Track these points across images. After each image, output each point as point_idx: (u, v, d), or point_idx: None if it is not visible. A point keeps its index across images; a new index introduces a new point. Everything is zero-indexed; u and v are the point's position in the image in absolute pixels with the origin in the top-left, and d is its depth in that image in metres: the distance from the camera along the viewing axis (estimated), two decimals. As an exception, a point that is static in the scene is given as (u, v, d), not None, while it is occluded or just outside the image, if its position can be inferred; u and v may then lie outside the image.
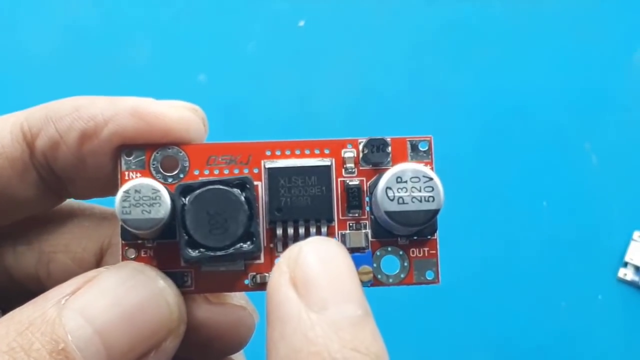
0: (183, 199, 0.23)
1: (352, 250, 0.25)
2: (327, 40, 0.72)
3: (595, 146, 0.68)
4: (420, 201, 0.23)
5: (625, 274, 0.64)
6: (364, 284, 0.24)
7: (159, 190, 0.23)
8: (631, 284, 0.64)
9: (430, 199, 0.23)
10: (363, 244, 0.25)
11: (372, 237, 0.25)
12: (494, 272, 0.65)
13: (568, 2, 0.74)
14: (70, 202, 0.28)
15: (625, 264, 0.65)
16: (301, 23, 0.73)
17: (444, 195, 0.23)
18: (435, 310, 0.64)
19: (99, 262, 0.27)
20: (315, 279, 0.20)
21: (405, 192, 0.23)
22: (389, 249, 0.25)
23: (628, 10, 0.74)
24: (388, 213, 0.23)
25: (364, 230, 0.25)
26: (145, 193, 0.23)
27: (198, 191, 0.24)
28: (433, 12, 0.73)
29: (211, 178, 0.24)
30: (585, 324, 0.64)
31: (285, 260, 0.20)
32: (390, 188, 0.23)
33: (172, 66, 0.71)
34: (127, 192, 0.23)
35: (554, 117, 0.69)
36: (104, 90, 0.73)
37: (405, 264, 0.25)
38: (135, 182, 0.23)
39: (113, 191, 0.24)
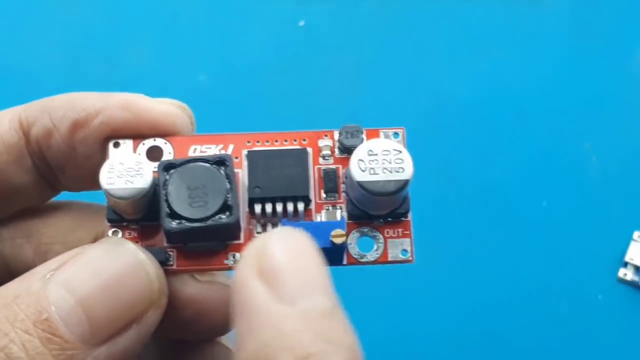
0: (165, 175, 0.25)
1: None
2: (327, 40, 0.72)
3: (595, 146, 0.68)
4: (391, 172, 0.25)
5: (625, 274, 0.64)
6: (338, 245, 0.25)
7: (141, 162, 0.25)
8: (631, 284, 0.64)
9: (400, 169, 0.25)
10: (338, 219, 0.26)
11: (348, 219, 0.26)
12: (494, 272, 0.65)
13: (568, 1, 0.74)
14: (66, 198, 0.29)
15: (625, 264, 0.65)
16: (301, 23, 0.73)
17: (413, 167, 0.25)
18: (435, 312, 0.64)
19: None
20: (283, 271, 0.19)
21: (377, 163, 0.25)
22: (365, 229, 0.26)
23: (628, 10, 0.74)
24: (360, 183, 0.24)
25: (339, 211, 0.26)
26: (128, 165, 0.24)
27: (180, 167, 0.25)
28: (433, 12, 0.73)
29: (192, 156, 0.26)
30: (585, 324, 0.64)
31: (252, 251, 0.20)
32: (362, 160, 0.25)
33: (172, 66, 0.71)
34: (111, 164, 0.24)
35: (553, 117, 0.69)
36: (104, 90, 0.73)
37: (380, 243, 0.27)
38: (119, 155, 0.25)
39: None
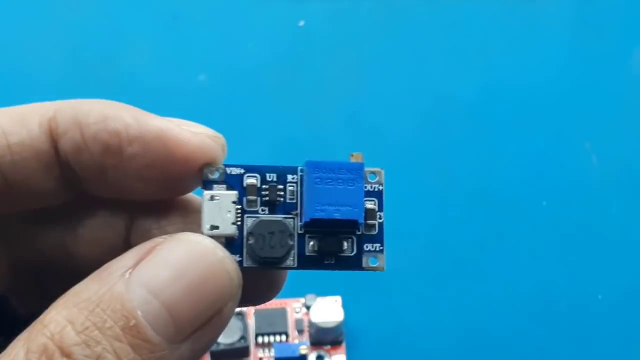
0: None
1: None
2: (327, 40, 0.72)
3: (595, 146, 0.68)
4: None
5: (625, 274, 0.64)
6: None
7: None
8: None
9: None
10: None
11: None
12: (493, 272, 0.65)
13: (567, 1, 0.74)
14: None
15: (625, 264, 0.65)
16: (301, 23, 0.73)
17: None
18: (434, 312, 0.64)
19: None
20: None
21: None
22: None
23: (628, 10, 0.74)
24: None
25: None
26: None
27: None
28: (434, 12, 0.73)
29: None
30: (585, 324, 0.64)
31: None
32: None
33: (172, 66, 0.71)
34: None
35: (553, 117, 0.69)
36: (104, 90, 0.73)
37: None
38: None
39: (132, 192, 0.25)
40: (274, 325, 0.49)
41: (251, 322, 0.49)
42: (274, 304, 0.51)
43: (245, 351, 0.48)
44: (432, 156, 0.68)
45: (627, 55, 0.72)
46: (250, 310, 0.49)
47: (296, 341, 0.51)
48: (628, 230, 0.66)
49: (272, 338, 0.49)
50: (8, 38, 0.72)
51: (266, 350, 0.49)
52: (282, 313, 0.50)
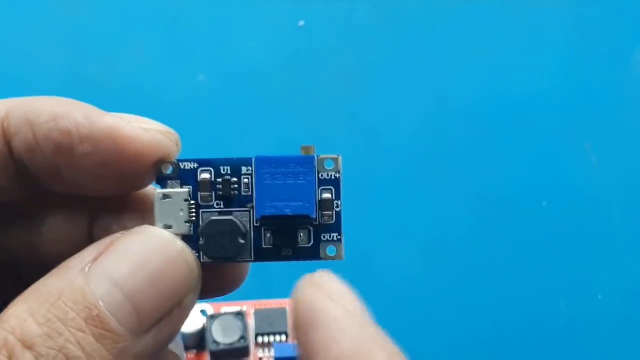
0: None
1: None
2: (327, 41, 0.72)
3: (595, 146, 0.68)
4: None
5: (625, 274, 0.64)
6: None
7: None
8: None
9: None
10: None
11: None
12: (493, 272, 0.65)
13: (567, 2, 0.74)
14: None
15: (625, 264, 0.65)
16: (301, 23, 0.73)
17: None
18: (433, 312, 0.64)
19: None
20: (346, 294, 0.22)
21: None
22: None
23: (628, 10, 0.74)
24: None
25: None
26: None
27: None
28: (434, 12, 0.73)
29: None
30: (585, 324, 0.64)
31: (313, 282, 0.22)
32: None
33: (172, 66, 0.71)
34: None
35: (553, 117, 0.69)
36: (104, 90, 0.73)
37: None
38: None
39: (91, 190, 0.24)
40: (274, 325, 0.49)
41: (251, 322, 0.49)
42: (273, 304, 0.51)
43: (245, 351, 0.47)
44: (432, 156, 0.68)
45: (627, 56, 0.72)
46: (250, 310, 0.49)
47: (296, 341, 0.51)
48: (628, 230, 0.66)
49: (272, 338, 0.49)
50: (9, 38, 0.72)
51: (266, 350, 0.49)
52: (282, 313, 0.50)
